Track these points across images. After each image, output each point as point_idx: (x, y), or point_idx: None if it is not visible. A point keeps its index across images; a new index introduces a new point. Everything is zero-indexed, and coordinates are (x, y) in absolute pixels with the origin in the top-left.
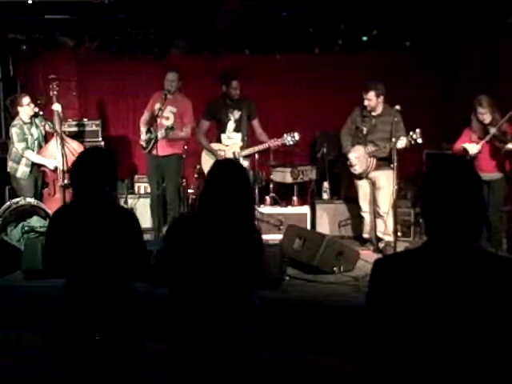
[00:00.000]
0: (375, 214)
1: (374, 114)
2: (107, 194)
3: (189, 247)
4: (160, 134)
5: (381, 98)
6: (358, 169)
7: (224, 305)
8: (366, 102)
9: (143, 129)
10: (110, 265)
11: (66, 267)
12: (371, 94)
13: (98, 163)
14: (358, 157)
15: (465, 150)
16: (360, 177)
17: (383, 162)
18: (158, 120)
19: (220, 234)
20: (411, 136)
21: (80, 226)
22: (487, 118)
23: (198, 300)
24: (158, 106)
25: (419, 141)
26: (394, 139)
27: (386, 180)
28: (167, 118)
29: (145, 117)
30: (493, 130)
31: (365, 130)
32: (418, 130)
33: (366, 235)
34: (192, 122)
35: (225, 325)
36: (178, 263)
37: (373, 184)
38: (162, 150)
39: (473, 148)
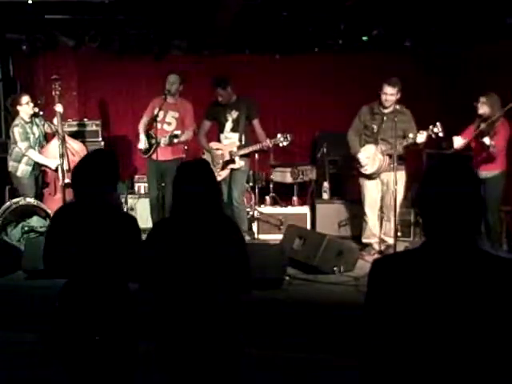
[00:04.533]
0: (382, 216)
1: (385, 111)
2: (108, 195)
3: (167, 251)
4: (163, 140)
5: (398, 96)
6: (368, 169)
7: (208, 307)
8: (385, 97)
9: (142, 135)
10: (108, 266)
11: (66, 267)
12: (396, 90)
13: (100, 165)
14: (368, 157)
15: (450, 141)
16: (370, 177)
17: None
18: (159, 125)
19: (191, 230)
20: (432, 130)
21: (79, 227)
22: (483, 109)
23: (183, 303)
24: (157, 110)
25: (440, 134)
26: (411, 135)
27: (399, 182)
28: (169, 124)
29: (144, 121)
30: (483, 126)
31: (375, 127)
32: (438, 124)
33: (365, 240)
34: (193, 125)
35: (210, 329)
36: (160, 268)
37: (384, 185)
38: (163, 154)
39: (457, 141)
